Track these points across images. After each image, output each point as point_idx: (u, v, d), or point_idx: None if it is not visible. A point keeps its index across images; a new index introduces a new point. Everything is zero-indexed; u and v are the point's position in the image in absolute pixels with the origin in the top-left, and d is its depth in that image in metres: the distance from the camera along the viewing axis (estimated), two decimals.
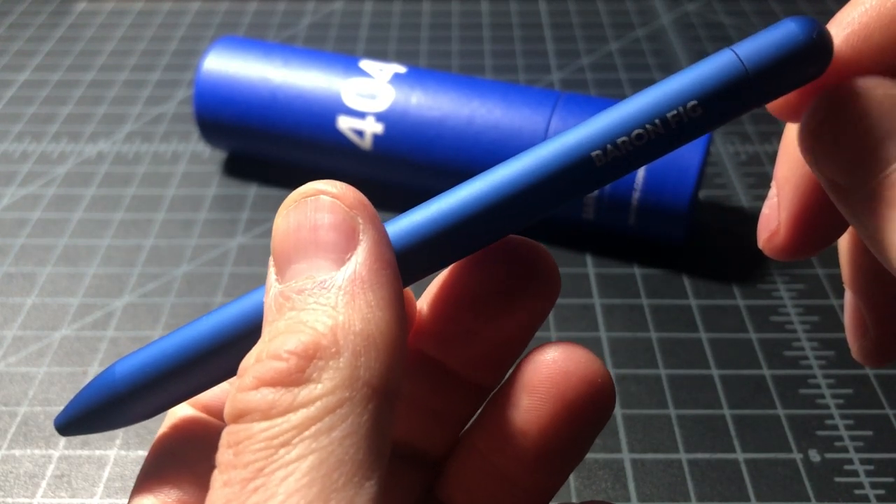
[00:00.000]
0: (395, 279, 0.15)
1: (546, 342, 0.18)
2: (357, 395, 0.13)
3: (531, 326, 0.18)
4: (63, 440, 0.31)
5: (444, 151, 0.38)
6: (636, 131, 0.16)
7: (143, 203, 0.42)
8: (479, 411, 0.19)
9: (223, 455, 0.14)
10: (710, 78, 0.16)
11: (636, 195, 0.36)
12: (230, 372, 0.17)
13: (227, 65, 0.41)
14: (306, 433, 0.13)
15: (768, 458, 0.30)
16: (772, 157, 0.44)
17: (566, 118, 0.37)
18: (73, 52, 0.55)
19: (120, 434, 0.31)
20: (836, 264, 0.37)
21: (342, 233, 0.15)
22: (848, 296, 0.22)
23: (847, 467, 0.29)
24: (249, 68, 0.41)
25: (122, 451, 0.31)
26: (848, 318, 0.23)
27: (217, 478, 0.13)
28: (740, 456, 0.30)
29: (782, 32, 0.15)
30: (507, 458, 0.18)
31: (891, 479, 0.29)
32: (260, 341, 0.14)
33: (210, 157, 0.45)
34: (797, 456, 0.30)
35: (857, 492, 0.28)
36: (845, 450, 0.30)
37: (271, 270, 0.15)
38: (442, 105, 0.38)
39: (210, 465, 0.15)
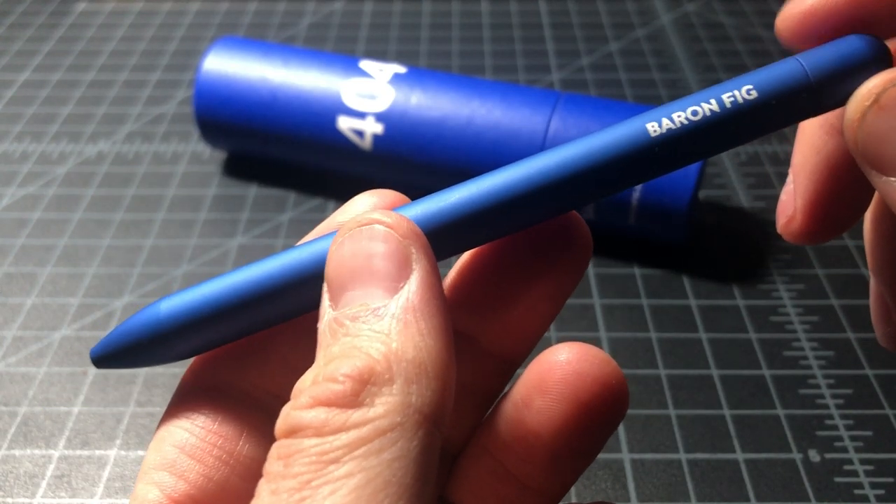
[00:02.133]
0: (445, 307, 0.15)
1: (559, 343, 0.18)
2: (408, 421, 0.14)
3: (562, 293, 0.18)
4: (63, 440, 0.31)
5: (444, 151, 0.38)
6: (691, 108, 0.16)
7: (144, 203, 0.42)
8: (489, 412, 0.19)
9: (272, 465, 0.14)
10: (766, 70, 0.16)
11: (636, 195, 0.36)
12: (278, 317, 0.17)
13: (227, 65, 0.41)
14: (356, 452, 0.13)
15: (768, 459, 0.30)
16: (771, 157, 0.44)
17: (566, 118, 0.37)
18: (73, 52, 0.55)
19: (120, 434, 0.31)
20: (836, 265, 0.37)
21: (396, 262, 0.15)
22: (872, 282, 0.23)
23: (847, 467, 0.29)
24: (249, 68, 0.41)
25: (122, 451, 0.31)
26: (873, 304, 0.23)
27: (264, 487, 0.14)
28: (740, 456, 0.30)
29: (847, 44, 0.16)
30: (518, 459, 0.18)
31: (890, 480, 0.29)
32: (315, 365, 0.15)
33: (210, 157, 0.45)
34: (797, 456, 0.30)
35: (856, 492, 0.28)
36: (845, 450, 0.30)
37: (325, 297, 0.16)
38: (442, 105, 0.38)
39: (245, 399, 0.16)
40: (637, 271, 0.37)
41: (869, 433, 0.30)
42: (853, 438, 0.30)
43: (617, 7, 0.59)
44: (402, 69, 0.40)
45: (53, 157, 0.45)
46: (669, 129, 0.16)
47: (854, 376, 0.32)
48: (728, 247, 0.39)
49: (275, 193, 0.42)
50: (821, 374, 0.32)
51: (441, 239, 0.16)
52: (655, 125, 0.16)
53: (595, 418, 0.17)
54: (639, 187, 0.36)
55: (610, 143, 0.16)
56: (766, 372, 0.33)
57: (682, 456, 0.30)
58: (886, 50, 0.16)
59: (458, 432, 0.19)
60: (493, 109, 0.38)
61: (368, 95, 0.39)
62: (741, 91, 0.16)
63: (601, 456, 0.30)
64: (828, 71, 0.16)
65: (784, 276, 0.37)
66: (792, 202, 0.20)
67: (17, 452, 0.31)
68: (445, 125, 0.38)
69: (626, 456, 0.30)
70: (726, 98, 0.16)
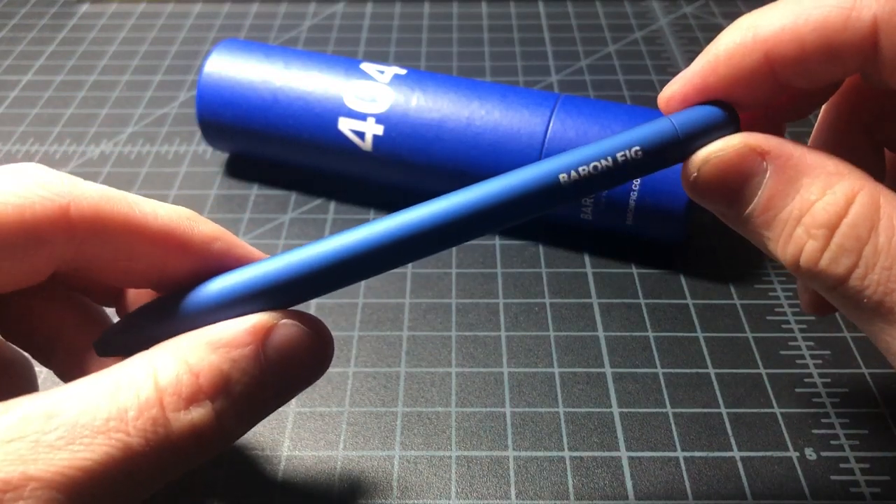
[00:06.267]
0: None
1: None
2: None
3: None
4: None
5: (444, 153, 0.38)
6: (593, 163, 0.21)
7: None
8: None
9: None
10: (646, 128, 0.22)
11: (634, 195, 0.36)
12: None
13: (228, 67, 0.41)
14: None
15: (764, 457, 0.30)
16: None
17: (565, 120, 0.37)
18: (76, 53, 0.55)
19: None
20: None
21: None
22: None
23: (843, 465, 0.29)
24: (251, 70, 0.41)
25: None
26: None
27: None
28: (737, 454, 0.30)
29: (706, 110, 0.22)
30: None
31: (886, 478, 0.29)
32: None
33: (212, 158, 0.45)
34: (793, 454, 0.30)
35: (852, 490, 0.29)
36: (841, 448, 0.30)
37: None
38: (442, 107, 0.39)
39: None
40: (635, 271, 0.38)
41: (865, 431, 0.31)
42: (849, 437, 0.30)
43: (615, 9, 0.59)
44: (402, 71, 0.40)
45: (56, 158, 0.46)
46: (575, 181, 0.21)
47: (850, 375, 0.33)
48: (725, 246, 0.39)
49: (276, 194, 0.43)
50: (817, 372, 0.33)
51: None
52: (565, 177, 0.21)
53: None
54: (636, 188, 0.36)
55: (528, 186, 0.21)
56: (763, 370, 0.33)
57: (680, 454, 0.30)
58: (736, 115, 0.22)
59: None
60: (492, 111, 0.38)
61: (369, 97, 0.39)
62: (631, 151, 0.21)
63: (599, 454, 0.30)
64: (693, 130, 0.22)
65: (781, 276, 0.37)
66: None
67: None
68: (445, 126, 0.38)
69: (623, 454, 0.30)
70: (619, 156, 0.21)
